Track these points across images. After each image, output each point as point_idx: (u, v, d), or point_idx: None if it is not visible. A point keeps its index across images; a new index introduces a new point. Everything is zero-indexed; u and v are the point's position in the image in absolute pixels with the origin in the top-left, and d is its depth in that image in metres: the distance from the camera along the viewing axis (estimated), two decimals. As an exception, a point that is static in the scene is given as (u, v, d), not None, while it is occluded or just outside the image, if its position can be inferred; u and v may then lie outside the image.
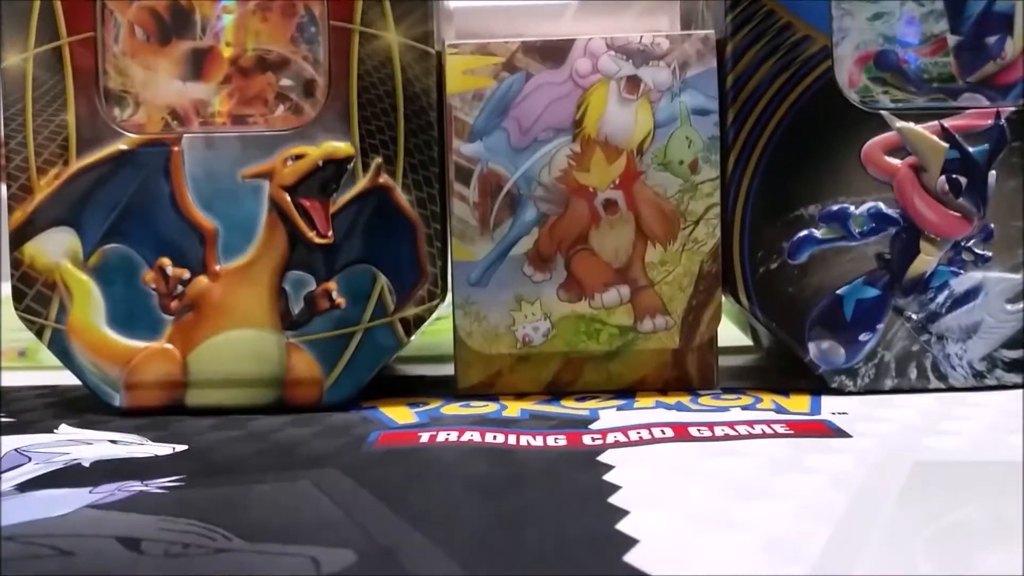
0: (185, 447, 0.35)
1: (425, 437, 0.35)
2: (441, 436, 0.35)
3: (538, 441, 0.35)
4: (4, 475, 0.33)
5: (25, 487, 0.31)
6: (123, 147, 0.40)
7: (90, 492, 0.30)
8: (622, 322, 0.41)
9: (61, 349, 0.41)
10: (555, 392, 0.42)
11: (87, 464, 0.34)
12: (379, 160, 0.40)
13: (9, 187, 0.41)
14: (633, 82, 0.40)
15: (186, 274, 0.40)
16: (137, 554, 0.26)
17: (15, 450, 0.35)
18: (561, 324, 0.41)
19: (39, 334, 0.41)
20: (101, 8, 0.41)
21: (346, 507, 0.29)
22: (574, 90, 0.40)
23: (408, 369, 0.50)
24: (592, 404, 0.40)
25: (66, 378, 0.42)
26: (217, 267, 0.40)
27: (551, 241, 0.41)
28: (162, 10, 0.41)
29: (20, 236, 0.40)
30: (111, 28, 0.41)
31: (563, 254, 0.41)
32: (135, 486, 0.31)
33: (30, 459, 0.34)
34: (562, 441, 0.35)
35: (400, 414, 0.40)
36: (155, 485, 0.31)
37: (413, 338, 0.41)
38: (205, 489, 0.31)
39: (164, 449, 0.35)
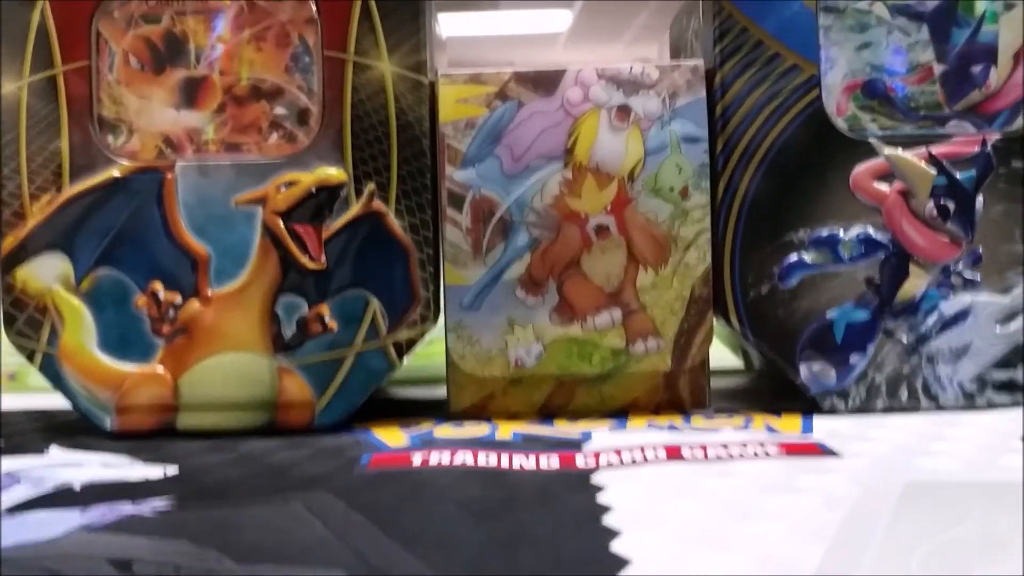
0: (176, 470, 0.35)
1: (418, 459, 0.35)
2: (434, 458, 0.35)
3: (531, 463, 0.35)
4: (-6, 498, 0.32)
5: (16, 510, 0.31)
6: (116, 174, 0.40)
7: (81, 514, 0.30)
8: (614, 345, 0.41)
9: (52, 373, 0.41)
10: (548, 414, 0.42)
11: (78, 486, 0.33)
12: (372, 186, 0.40)
13: (2, 213, 0.41)
14: (624, 111, 0.41)
15: (178, 298, 0.40)
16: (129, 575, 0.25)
17: (6, 473, 0.35)
18: (553, 347, 0.41)
19: (30, 358, 0.41)
20: (96, 37, 0.41)
21: (338, 529, 0.28)
22: (565, 118, 0.41)
23: (400, 392, 0.50)
24: (585, 426, 0.40)
25: (57, 402, 0.42)
26: (209, 292, 0.40)
27: (543, 265, 0.41)
28: (157, 39, 0.41)
29: (12, 261, 0.40)
30: (106, 57, 0.41)
31: (555, 278, 0.41)
32: (126, 508, 0.31)
33: (20, 482, 0.34)
34: (555, 463, 0.35)
35: (393, 436, 0.39)
36: (146, 507, 0.31)
37: (405, 361, 0.41)
38: (197, 511, 0.30)
39: (155, 471, 0.35)
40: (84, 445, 0.39)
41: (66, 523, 0.29)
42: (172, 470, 0.35)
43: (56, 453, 0.38)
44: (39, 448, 0.39)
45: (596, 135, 0.41)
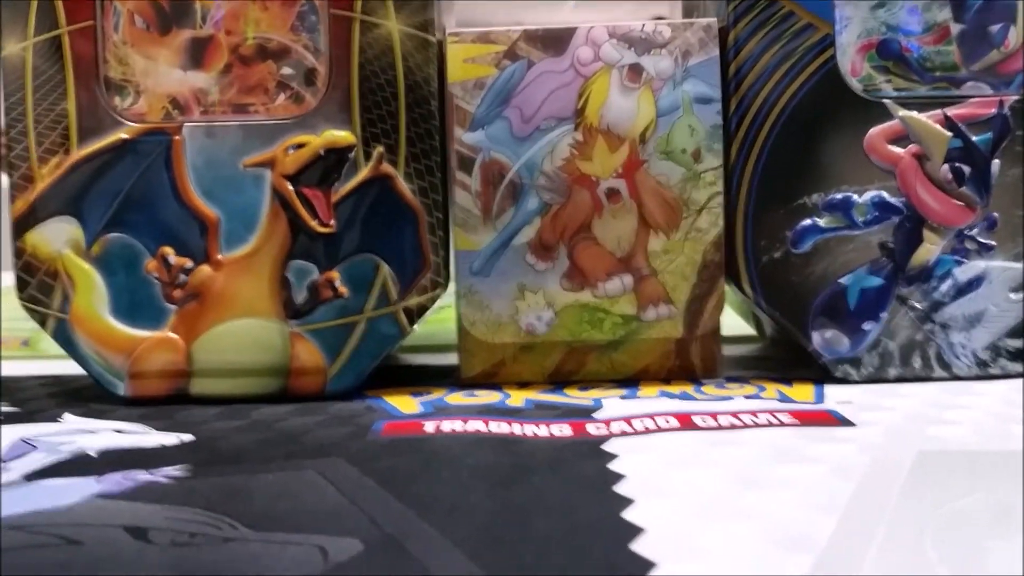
0: (190, 436, 0.35)
1: (430, 427, 0.35)
2: (446, 426, 0.35)
3: (543, 430, 0.35)
4: (10, 464, 0.32)
5: (31, 477, 0.31)
6: (124, 136, 0.40)
7: (96, 481, 0.30)
8: (625, 311, 0.41)
9: (65, 338, 0.41)
10: (558, 381, 0.42)
11: (93, 453, 0.34)
12: (380, 149, 0.40)
13: (11, 176, 0.40)
14: (635, 70, 0.40)
15: (189, 263, 0.40)
16: (144, 543, 0.26)
17: (21, 439, 0.35)
18: (564, 313, 0.41)
19: (42, 323, 0.41)
20: (101, -4, 0.40)
21: (352, 496, 0.29)
22: (576, 78, 0.40)
23: (411, 358, 0.50)
24: (596, 393, 0.40)
25: (70, 367, 0.42)
26: (220, 256, 0.40)
27: (554, 230, 0.40)
28: (162, -1, 0.40)
29: (22, 225, 0.40)
30: (111, 17, 0.41)
31: (566, 243, 0.41)
32: (141, 475, 0.31)
33: (36, 448, 0.34)
34: (567, 430, 0.35)
35: (404, 403, 0.40)
36: (161, 474, 0.31)
37: (416, 327, 0.41)
38: (211, 478, 0.31)
39: (169, 438, 0.35)
40: (98, 412, 0.39)
41: (82, 491, 0.30)
42: (186, 437, 0.35)
43: (71, 420, 0.39)
44: (53, 415, 0.39)
45: (607, 96, 0.40)
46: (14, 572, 0.24)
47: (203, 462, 0.32)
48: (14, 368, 0.49)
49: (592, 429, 0.35)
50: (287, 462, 0.32)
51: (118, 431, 0.36)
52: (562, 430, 0.35)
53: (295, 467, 0.32)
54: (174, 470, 0.31)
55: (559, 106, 0.40)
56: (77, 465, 0.32)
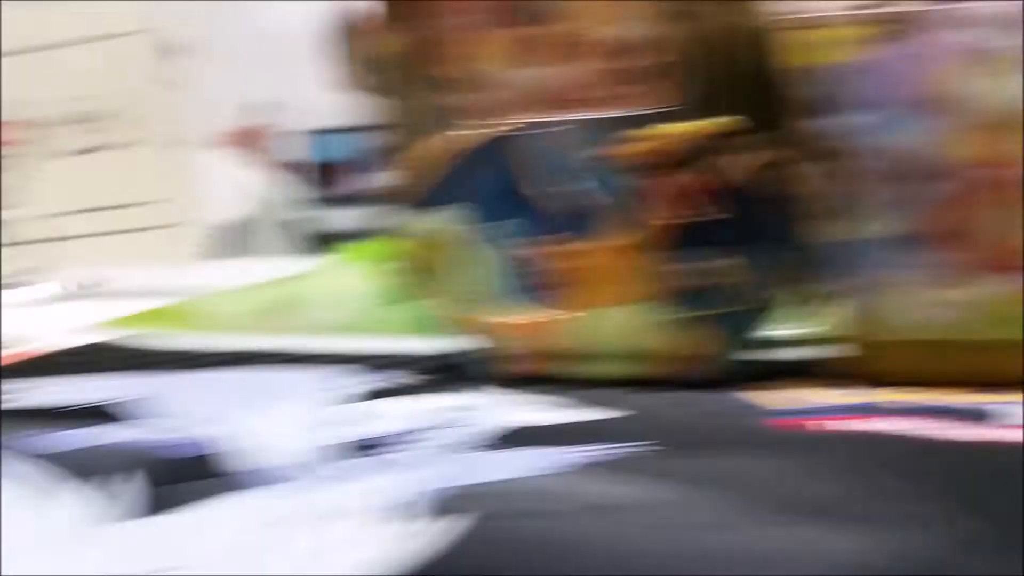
0: (615, 413, 0.36)
1: (836, 424, 0.35)
2: (865, 423, 0.34)
3: (961, 432, 0.33)
4: (448, 433, 0.34)
5: (472, 448, 0.32)
6: (483, 131, 0.41)
7: (557, 453, 0.31)
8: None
9: (444, 322, 0.43)
10: (963, 381, 0.39)
11: (519, 428, 0.34)
12: (750, 137, 0.39)
13: (380, 172, 0.43)
14: (1006, 52, 0.37)
15: (564, 250, 0.41)
16: (636, 519, 0.26)
17: (448, 408, 0.37)
18: (967, 309, 0.38)
19: (421, 307, 0.44)
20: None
21: (811, 485, 0.28)
22: (943, 61, 0.38)
23: (795, 353, 0.47)
24: (1001, 396, 0.37)
25: (441, 347, 0.44)
26: (594, 243, 0.40)
27: (945, 220, 0.38)
28: (503, -4, 0.41)
29: (397, 214, 0.43)
30: (459, 16, 0.41)
31: (958, 234, 0.38)
32: (599, 451, 0.31)
33: (464, 422, 0.35)
34: (982, 433, 0.33)
35: (802, 397, 0.39)
36: (614, 451, 0.31)
37: (799, 320, 0.41)
38: (669, 459, 0.31)
39: (600, 415, 0.36)
40: (486, 388, 0.41)
41: (549, 461, 0.30)
42: (617, 414, 0.36)
43: (477, 394, 0.40)
44: (449, 390, 0.41)
45: (980, 80, 0.37)
46: (491, 538, 0.24)
47: (653, 439, 0.32)
48: (376, 346, 0.50)
49: (1007, 435, 0.33)
50: (708, 449, 0.32)
51: (548, 407, 0.37)
52: (975, 432, 0.33)
53: (728, 455, 0.31)
54: (630, 447, 0.32)
55: (929, 89, 0.37)
56: (514, 438, 0.33)
